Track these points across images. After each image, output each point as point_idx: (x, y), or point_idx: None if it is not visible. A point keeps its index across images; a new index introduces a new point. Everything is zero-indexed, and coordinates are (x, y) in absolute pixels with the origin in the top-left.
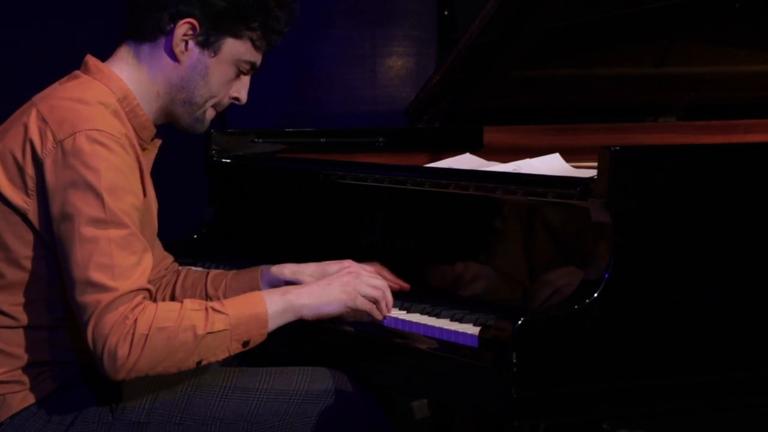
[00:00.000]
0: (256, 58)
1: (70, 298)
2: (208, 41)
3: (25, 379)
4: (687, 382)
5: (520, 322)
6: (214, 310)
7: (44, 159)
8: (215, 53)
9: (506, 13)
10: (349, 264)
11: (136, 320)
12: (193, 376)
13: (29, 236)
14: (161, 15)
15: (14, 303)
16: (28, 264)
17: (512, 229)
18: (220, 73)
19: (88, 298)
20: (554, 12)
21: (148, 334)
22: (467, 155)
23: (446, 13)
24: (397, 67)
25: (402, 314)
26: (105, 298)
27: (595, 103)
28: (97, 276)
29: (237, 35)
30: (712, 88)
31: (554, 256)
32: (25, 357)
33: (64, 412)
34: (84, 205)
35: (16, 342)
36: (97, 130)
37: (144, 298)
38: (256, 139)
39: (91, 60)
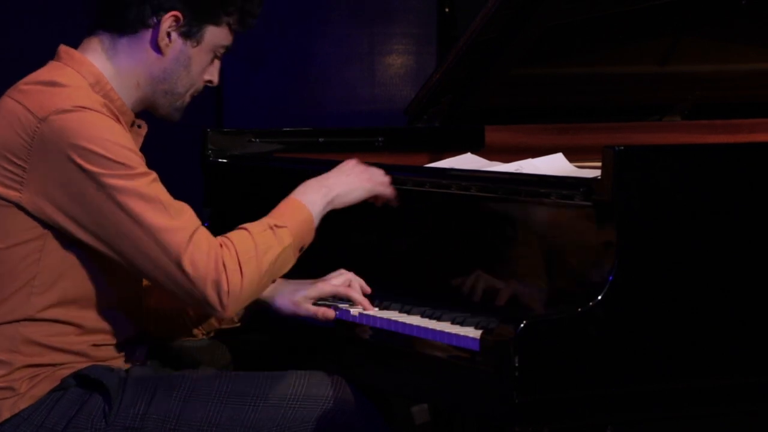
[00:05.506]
0: (231, 41)
1: (133, 263)
2: (190, 32)
3: (17, 384)
4: (690, 386)
5: (522, 325)
6: (277, 227)
7: (30, 141)
8: (198, 43)
9: (507, 10)
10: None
11: (223, 260)
12: (189, 380)
13: (20, 224)
14: (143, 8)
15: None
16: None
17: (514, 230)
18: (201, 61)
19: (163, 244)
20: (556, 9)
21: (240, 269)
22: (468, 155)
23: (446, 10)
24: (397, 65)
25: (402, 317)
26: (180, 239)
27: (597, 101)
28: (155, 220)
29: (217, 22)
30: (717, 86)
31: (557, 258)
32: (16, 359)
33: (56, 418)
34: (93, 166)
35: (4, 344)
36: (77, 104)
37: (208, 232)
38: (253, 139)
39: (62, 48)
